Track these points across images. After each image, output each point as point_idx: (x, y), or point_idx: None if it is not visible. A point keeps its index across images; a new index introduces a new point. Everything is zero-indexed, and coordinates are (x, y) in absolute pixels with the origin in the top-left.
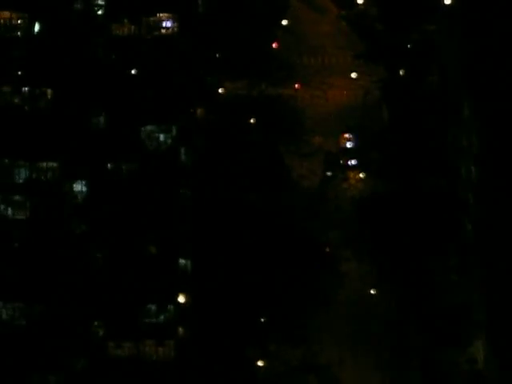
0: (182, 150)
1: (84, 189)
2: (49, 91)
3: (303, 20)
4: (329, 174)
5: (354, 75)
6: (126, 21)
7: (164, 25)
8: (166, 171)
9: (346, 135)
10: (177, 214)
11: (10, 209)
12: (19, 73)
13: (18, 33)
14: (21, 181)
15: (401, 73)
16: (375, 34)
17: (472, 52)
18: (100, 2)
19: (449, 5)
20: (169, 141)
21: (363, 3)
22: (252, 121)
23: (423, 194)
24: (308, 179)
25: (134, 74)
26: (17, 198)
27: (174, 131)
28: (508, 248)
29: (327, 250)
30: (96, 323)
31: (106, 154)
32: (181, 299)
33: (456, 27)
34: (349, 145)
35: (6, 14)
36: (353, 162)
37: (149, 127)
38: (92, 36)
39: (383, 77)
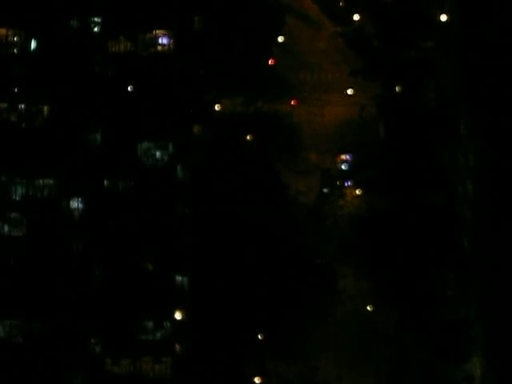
0: (179, 167)
1: (81, 205)
2: (45, 108)
3: (299, 37)
4: (325, 190)
5: (350, 91)
6: (122, 37)
7: (160, 41)
8: (163, 188)
9: (343, 156)
10: (173, 231)
11: (6, 226)
12: (15, 90)
13: (15, 50)
14: (17, 198)
15: (397, 89)
16: (372, 51)
17: (469, 68)
18: (96, 19)
19: (446, 21)
20: (165, 157)
21: (359, 20)
22: (248, 138)
23: (420, 210)
24: (305, 196)
25: (130, 91)
26: (13, 215)
27: (171, 148)
28: (506, 263)
29: (323, 261)
30: (93, 340)
31: (102, 171)
32: (177, 316)
33: (453, 44)
34: (344, 166)
35: (2, 30)
36: (349, 183)
37: (145, 144)
38: (88, 53)
39: (380, 93)
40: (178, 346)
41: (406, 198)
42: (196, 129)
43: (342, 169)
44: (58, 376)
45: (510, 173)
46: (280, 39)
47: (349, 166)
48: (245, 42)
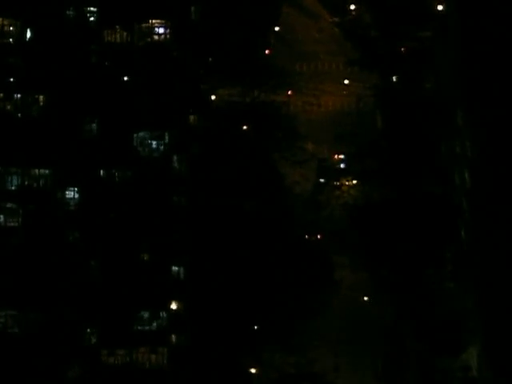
0: (175, 157)
1: (76, 196)
2: (41, 98)
3: (296, 27)
4: (322, 180)
5: (346, 82)
6: (118, 27)
7: (156, 31)
8: (159, 178)
9: (341, 156)
10: (170, 221)
11: (2, 216)
12: (11, 79)
13: (10, 39)
14: (13, 188)
15: (394, 79)
16: (368, 41)
17: (466, 58)
18: (92, 9)
19: (443, 12)
20: (161, 147)
21: (356, 10)
22: (245, 127)
23: (417, 201)
24: (301, 186)
25: (126, 81)
26: (9, 205)
27: (167, 138)
28: (502, 254)
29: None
30: (89, 330)
31: (98, 161)
32: (173, 306)
33: (450, 34)
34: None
35: None
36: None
37: (141, 134)
38: (84, 42)
39: (377, 83)
40: (174, 337)
41: (403, 188)
42: (192, 119)
43: (338, 159)
44: (54, 366)
45: (507, 162)
46: (276, 29)
47: (345, 156)
48: (241, 33)
